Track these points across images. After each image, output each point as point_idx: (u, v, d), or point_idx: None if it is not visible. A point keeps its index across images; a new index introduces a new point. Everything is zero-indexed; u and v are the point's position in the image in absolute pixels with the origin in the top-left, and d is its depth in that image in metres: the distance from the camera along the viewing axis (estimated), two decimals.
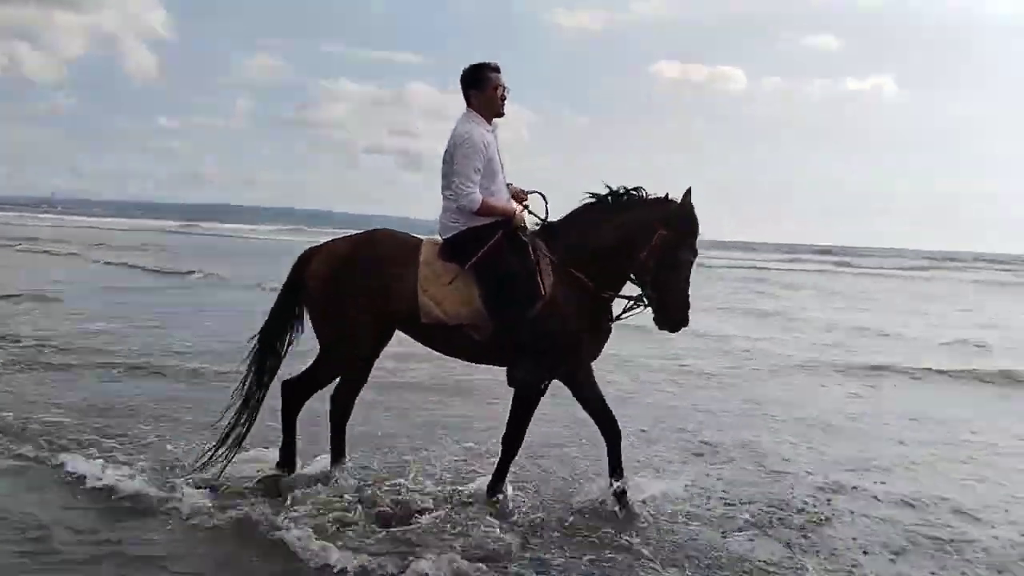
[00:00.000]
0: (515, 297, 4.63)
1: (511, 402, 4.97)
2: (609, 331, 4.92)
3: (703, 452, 6.41)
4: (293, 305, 5.10)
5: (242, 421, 5.08)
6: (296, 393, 5.12)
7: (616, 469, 4.92)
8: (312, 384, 5.12)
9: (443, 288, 4.69)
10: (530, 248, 4.76)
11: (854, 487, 5.63)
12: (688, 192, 4.64)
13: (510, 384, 4.82)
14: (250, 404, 5.10)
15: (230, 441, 5.05)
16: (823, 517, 5.02)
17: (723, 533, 4.70)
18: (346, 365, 5.00)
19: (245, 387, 5.11)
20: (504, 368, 4.80)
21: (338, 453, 5.10)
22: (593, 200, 4.84)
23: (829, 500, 5.36)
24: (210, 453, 5.05)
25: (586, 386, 4.95)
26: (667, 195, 4.71)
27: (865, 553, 4.54)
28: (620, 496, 4.88)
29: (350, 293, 4.78)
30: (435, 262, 4.75)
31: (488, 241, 4.67)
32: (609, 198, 4.80)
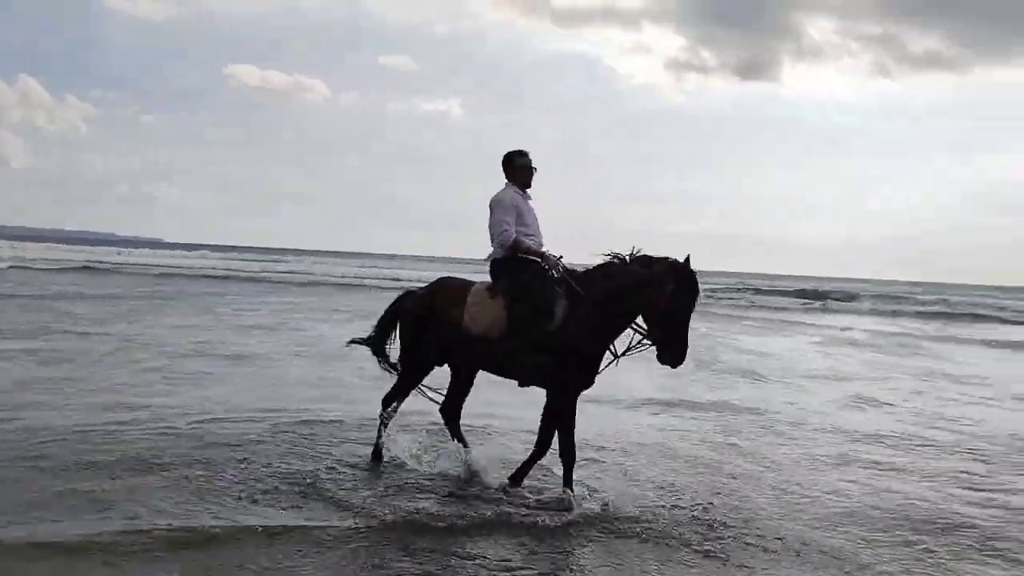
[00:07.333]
0: (533, 315, 5.77)
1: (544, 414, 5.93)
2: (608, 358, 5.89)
3: None
4: None
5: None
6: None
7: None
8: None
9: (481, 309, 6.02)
10: (557, 282, 5.90)
11: None
12: (688, 257, 5.63)
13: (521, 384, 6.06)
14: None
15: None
16: None
17: None
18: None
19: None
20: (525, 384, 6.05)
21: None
22: (612, 258, 5.88)
23: None
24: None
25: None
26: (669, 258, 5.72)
27: None
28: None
29: None
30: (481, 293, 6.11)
31: (523, 271, 5.99)
32: (627, 257, 5.83)
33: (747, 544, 5.28)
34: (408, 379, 6.45)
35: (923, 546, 5.49)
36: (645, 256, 5.79)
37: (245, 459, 6.43)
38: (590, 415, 8.05)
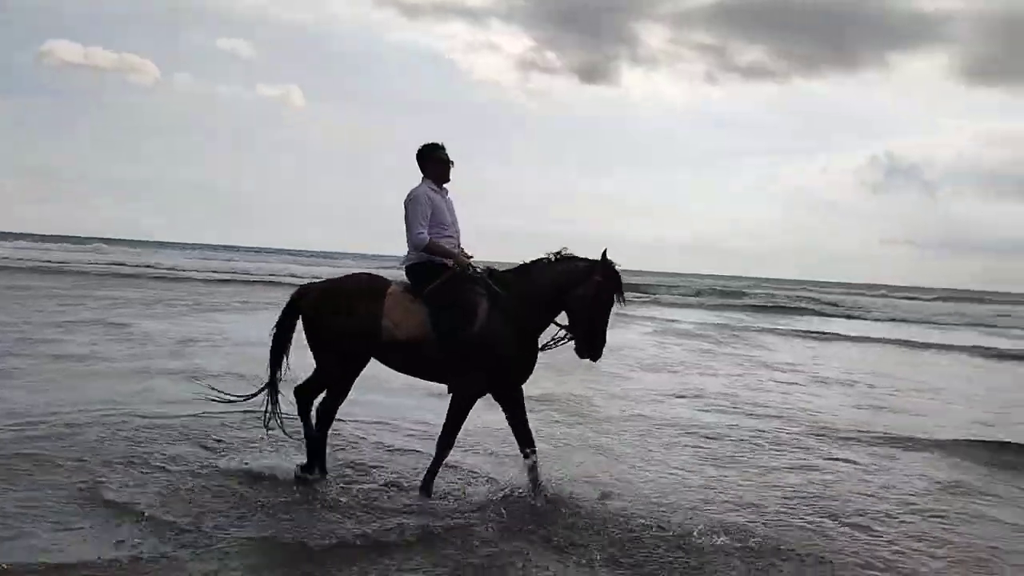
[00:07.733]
0: (455, 320, 5.63)
1: (448, 409, 5.81)
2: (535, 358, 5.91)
3: None
4: None
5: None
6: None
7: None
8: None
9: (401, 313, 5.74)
10: (475, 282, 5.79)
11: None
12: (605, 251, 5.72)
13: (449, 391, 5.81)
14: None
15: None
16: None
17: None
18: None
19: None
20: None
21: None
22: (538, 259, 5.87)
23: None
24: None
25: (515, 404, 5.96)
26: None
27: None
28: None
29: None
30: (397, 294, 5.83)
31: (440, 274, 5.76)
32: (552, 257, 5.84)
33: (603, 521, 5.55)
34: (337, 382, 6.02)
35: (759, 514, 6.00)
36: (569, 255, 5.87)
37: (70, 464, 6.12)
38: (426, 408, 8.17)
